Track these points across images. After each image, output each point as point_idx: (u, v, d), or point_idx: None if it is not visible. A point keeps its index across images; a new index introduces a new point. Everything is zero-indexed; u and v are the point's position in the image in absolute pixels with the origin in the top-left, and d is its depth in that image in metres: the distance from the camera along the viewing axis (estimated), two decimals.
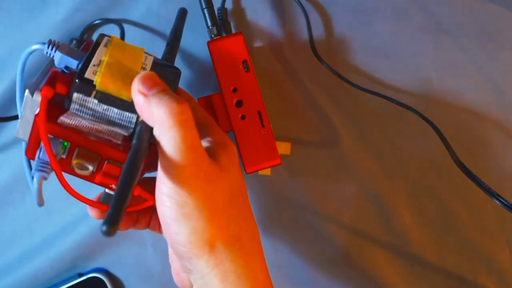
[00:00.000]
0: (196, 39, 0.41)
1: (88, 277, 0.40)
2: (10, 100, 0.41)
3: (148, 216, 0.34)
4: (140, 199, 0.30)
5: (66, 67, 0.28)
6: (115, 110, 0.27)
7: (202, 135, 0.30)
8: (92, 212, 0.31)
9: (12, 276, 0.41)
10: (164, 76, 0.27)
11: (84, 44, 0.32)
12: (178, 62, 0.41)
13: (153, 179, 0.27)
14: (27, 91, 0.27)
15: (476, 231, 0.42)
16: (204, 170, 0.26)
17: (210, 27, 0.36)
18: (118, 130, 0.28)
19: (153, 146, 0.26)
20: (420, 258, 0.42)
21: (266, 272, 0.30)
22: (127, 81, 0.27)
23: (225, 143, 0.30)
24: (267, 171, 0.41)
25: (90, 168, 0.28)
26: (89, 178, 0.29)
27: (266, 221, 0.42)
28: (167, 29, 0.41)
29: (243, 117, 0.35)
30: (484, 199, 0.39)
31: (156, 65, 0.30)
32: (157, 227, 0.34)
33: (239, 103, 0.35)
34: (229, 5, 0.41)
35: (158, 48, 0.40)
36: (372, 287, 0.42)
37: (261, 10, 0.41)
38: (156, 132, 0.25)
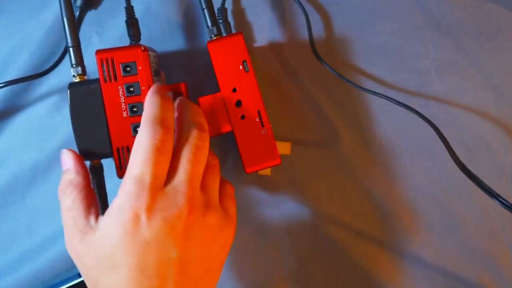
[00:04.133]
0: (196, 39, 0.41)
1: None
2: (11, 101, 0.41)
3: None
4: None
5: None
6: None
7: None
8: None
9: (12, 276, 0.41)
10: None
11: None
12: (178, 63, 0.41)
13: None
14: None
15: (477, 231, 0.42)
16: None
17: (210, 27, 0.36)
18: None
19: None
20: (420, 258, 0.42)
21: None
22: None
23: None
24: (267, 171, 0.41)
25: None
26: None
27: (266, 221, 0.42)
28: (167, 29, 0.41)
29: (243, 117, 0.35)
30: (484, 199, 0.39)
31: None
32: None
33: (239, 103, 0.35)
34: (229, 5, 0.41)
35: (158, 48, 0.40)
36: (372, 287, 0.42)
37: (261, 10, 0.41)
38: None
